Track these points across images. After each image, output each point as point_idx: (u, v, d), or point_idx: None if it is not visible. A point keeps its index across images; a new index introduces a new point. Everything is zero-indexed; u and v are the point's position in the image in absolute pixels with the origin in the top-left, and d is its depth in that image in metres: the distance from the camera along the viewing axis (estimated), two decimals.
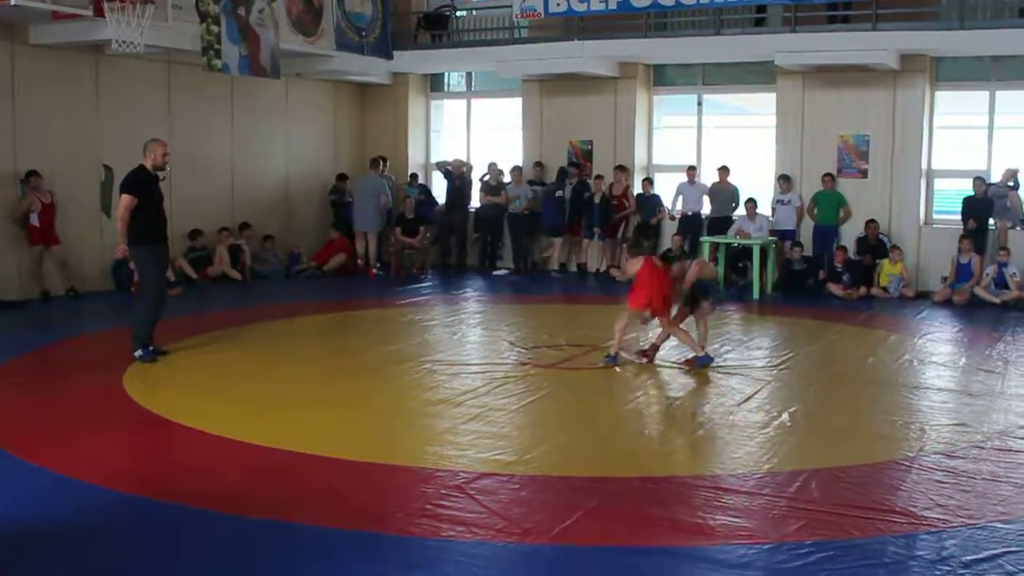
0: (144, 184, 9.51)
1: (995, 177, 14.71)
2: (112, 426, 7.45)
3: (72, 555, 5.06)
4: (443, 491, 5.93)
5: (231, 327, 11.54)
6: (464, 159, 18.33)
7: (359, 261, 16.73)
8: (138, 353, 9.53)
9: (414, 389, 8.70)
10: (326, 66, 16.63)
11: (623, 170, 16.62)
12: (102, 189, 14.03)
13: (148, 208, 9.50)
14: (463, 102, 19.28)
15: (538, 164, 17.41)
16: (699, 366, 9.32)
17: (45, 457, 6.57)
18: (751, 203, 15.42)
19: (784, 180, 15.55)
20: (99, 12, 11.89)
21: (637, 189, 16.74)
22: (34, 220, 13.11)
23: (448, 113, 19.69)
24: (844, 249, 14.86)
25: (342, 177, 17.67)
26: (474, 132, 19.09)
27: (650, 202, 16.53)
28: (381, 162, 17.28)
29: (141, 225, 9.46)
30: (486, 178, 17.45)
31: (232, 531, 5.38)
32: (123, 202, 9.41)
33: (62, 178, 13.58)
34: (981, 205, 14.42)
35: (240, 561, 5.00)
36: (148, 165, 9.61)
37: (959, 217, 14.68)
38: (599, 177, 16.63)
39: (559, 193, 16.70)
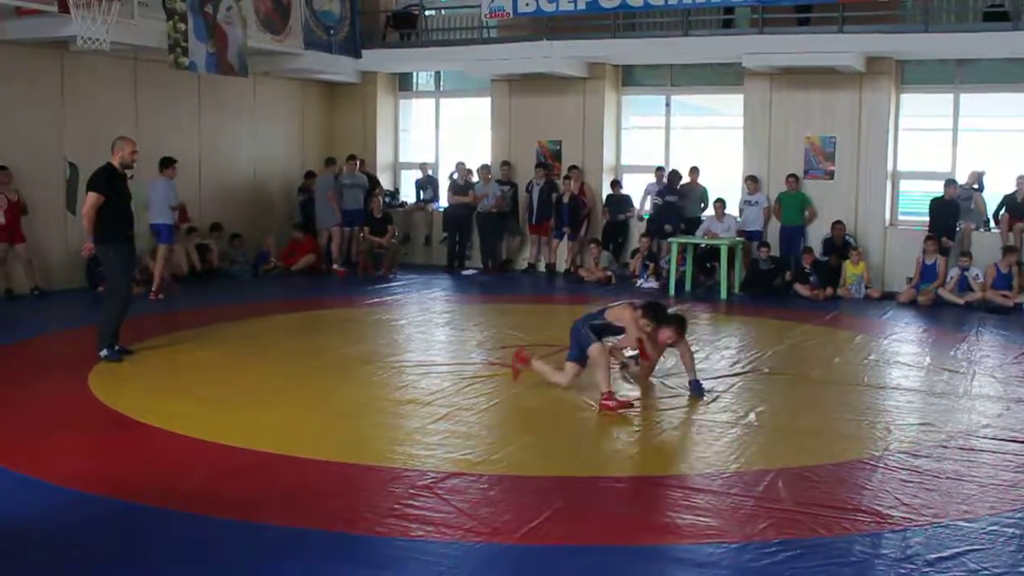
0: (111, 182, 9.44)
1: (960, 179, 14.87)
2: (77, 426, 7.38)
3: (34, 556, 5.01)
4: (411, 491, 5.92)
5: (198, 327, 11.47)
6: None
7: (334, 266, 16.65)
8: (103, 353, 9.46)
9: (382, 389, 8.68)
10: (294, 64, 16.55)
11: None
12: (68, 187, 13.91)
13: (115, 206, 9.42)
14: (432, 101, 19.26)
15: (505, 163, 17.41)
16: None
17: (8, 457, 6.51)
18: (720, 203, 15.48)
19: (752, 181, 15.64)
20: (64, 8, 11.78)
21: (606, 189, 16.81)
22: None
23: (417, 112, 19.66)
24: (811, 250, 14.96)
25: (310, 175, 17.61)
26: (443, 131, 19.07)
27: (620, 202, 16.59)
28: (356, 161, 17.23)
29: (108, 223, 9.38)
30: (454, 177, 17.45)
31: (198, 532, 5.34)
32: (89, 200, 9.34)
33: (27, 175, 13.45)
34: (949, 208, 14.58)
35: (207, 562, 4.97)
36: (116, 163, 9.53)
37: (925, 218, 14.82)
38: (567, 178, 16.67)
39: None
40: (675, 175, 16.16)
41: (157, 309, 12.36)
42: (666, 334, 8.38)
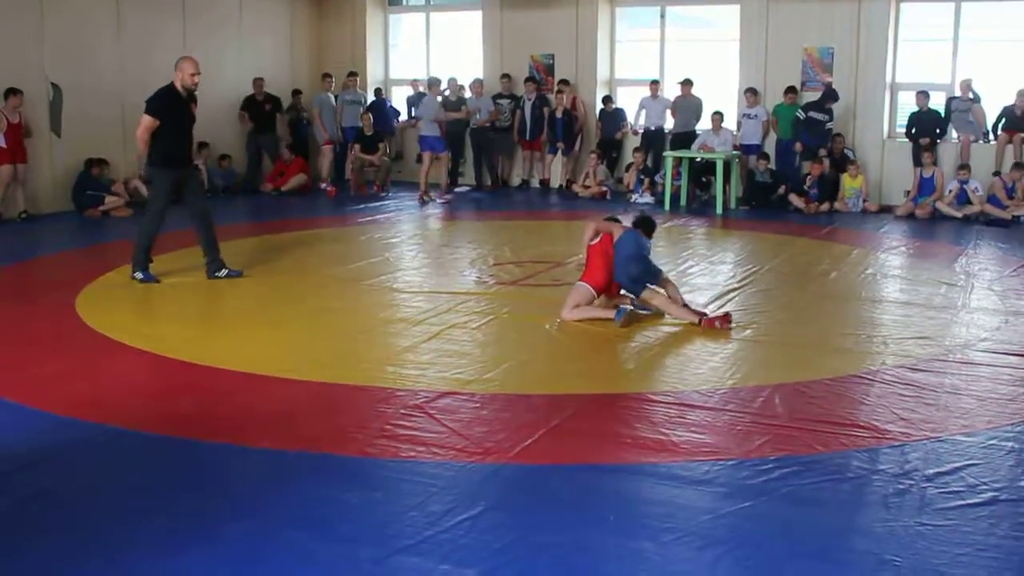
0: (170, 105, 9.11)
1: (956, 91, 14.65)
2: (64, 351, 7.27)
3: (15, 480, 4.92)
4: (402, 411, 5.84)
5: (185, 248, 11.29)
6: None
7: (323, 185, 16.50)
8: (138, 275, 9.34)
9: (373, 308, 8.58)
10: None
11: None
12: (51, 109, 13.61)
13: (173, 130, 9.12)
14: (422, 16, 18.87)
15: (505, 76, 17.04)
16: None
17: None
18: (717, 116, 15.23)
19: (751, 93, 15.34)
20: None
21: (600, 104, 16.55)
22: (0, 140, 12.82)
23: (407, 27, 19.28)
24: (822, 162, 14.60)
25: (298, 93, 17.32)
26: (433, 47, 18.72)
27: (613, 117, 16.35)
28: (356, 78, 17.19)
29: (163, 147, 9.13)
30: (446, 93, 17.14)
31: (184, 455, 5.27)
32: (143, 123, 9.05)
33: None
34: (929, 119, 14.44)
35: (192, 486, 4.89)
36: (178, 85, 9.19)
37: (919, 132, 14.58)
38: (559, 92, 16.41)
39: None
40: (831, 92, 14.73)
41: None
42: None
